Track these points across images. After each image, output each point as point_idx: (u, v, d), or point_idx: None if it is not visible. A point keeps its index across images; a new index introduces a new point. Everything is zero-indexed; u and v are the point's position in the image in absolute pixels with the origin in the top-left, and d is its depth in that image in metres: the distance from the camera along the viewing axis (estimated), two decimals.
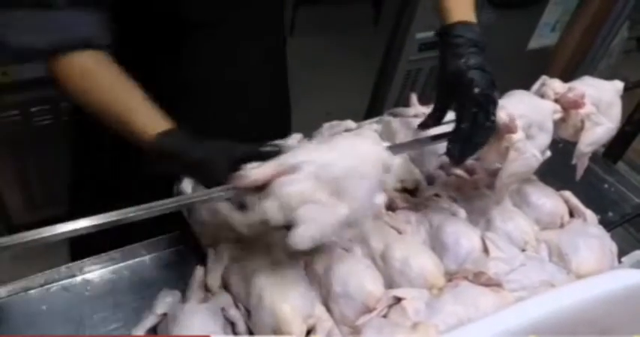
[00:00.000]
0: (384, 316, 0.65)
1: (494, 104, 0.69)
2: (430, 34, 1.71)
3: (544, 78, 0.85)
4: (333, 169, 0.56)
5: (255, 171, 0.55)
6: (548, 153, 0.82)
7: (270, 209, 0.54)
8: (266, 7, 0.85)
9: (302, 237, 0.55)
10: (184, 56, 0.81)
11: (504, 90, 0.82)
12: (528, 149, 0.73)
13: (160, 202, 0.55)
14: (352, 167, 0.57)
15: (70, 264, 0.73)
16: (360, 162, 0.58)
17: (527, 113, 0.75)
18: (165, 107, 0.68)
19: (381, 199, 0.64)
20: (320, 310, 0.65)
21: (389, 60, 1.77)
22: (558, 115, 0.80)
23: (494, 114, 0.69)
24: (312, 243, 0.56)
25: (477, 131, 0.68)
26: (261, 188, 0.55)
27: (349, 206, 0.56)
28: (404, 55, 1.73)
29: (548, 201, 0.85)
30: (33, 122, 1.41)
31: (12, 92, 1.33)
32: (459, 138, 0.69)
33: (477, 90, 0.67)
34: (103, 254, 0.75)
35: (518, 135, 0.72)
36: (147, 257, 0.76)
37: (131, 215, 0.54)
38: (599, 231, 0.81)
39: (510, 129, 0.71)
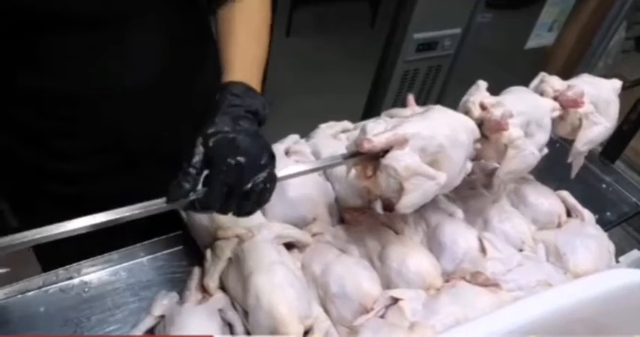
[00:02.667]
0: (382, 316, 0.65)
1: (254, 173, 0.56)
2: (427, 34, 1.72)
3: (543, 74, 0.85)
4: (435, 141, 0.64)
5: (377, 139, 0.61)
6: (545, 150, 0.82)
7: (383, 180, 0.62)
8: None
9: (409, 204, 0.64)
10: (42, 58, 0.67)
11: (502, 89, 0.82)
12: (527, 146, 0.73)
13: (154, 201, 0.55)
14: (449, 136, 0.65)
15: (68, 266, 0.72)
16: (455, 131, 0.66)
17: (525, 110, 0.75)
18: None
19: (470, 165, 0.72)
20: (317, 310, 0.65)
21: (386, 60, 1.77)
22: (557, 113, 0.80)
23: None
24: (416, 207, 0.65)
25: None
26: (375, 156, 0.63)
27: (447, 173, 0.65)
28: (401, 55, 1.73)
29: (546, 200, 0.85)
30: None
31: None
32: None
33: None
34: (100, 256, 0.75)
35: (517, 133, 0.72)
36: (144, 259, 0.76)
37: (127, 215, 0.54)
38: (597, 231, 0.81)
39: (501, 126, 0.71)
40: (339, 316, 0.65)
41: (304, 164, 0.64)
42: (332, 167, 0.71)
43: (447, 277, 0.71)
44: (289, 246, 0.72)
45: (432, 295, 0.67)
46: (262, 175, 0.56)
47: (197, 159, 0.55)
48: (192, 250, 0.75)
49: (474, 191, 0.85)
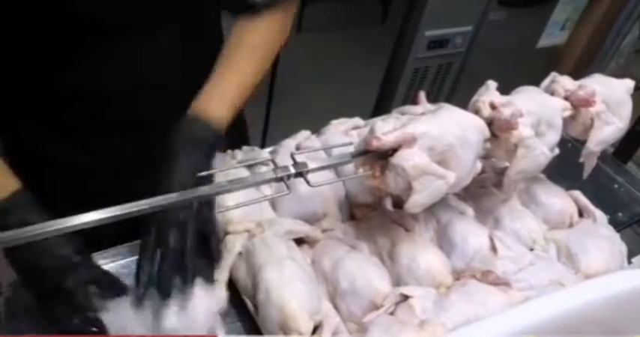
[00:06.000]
0: (391, 313, 0.65)
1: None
2: (439, 31, 1.71)
3: (554, 74, 0.85)
4: (444, 140, 0.63)
5: (386, 137, 0.61)
6: (557, 151, 0.81)
7: (392, 179, 0.62)
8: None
9: (417, 204, 0.64)
10: (84, 62, 0.71)
11: (513, 88, 0.81)
12: (537, 146, 0.73)
13: (164, 196, 0.55)
14: (459, 135, 0.65)
15: None
16: (465, 130, 0.66)
17: (536, 110, 0.74)
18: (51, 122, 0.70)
19: (480, 165, 0.71)
20: (327, 306, 0.65)
21: (397, 57, 1.76)
22: (568, 113, 0.80)
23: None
24: (425, 207, 0.65)
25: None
26: (384, 155, 0.63)
27: (456, 172, 0.65)
28: (412, 52, 1.73)
29: (558, 200, 0.84)
30: None
31: None
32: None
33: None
34: (110, 248, 0.75)
35: (527, 132, 0.71)
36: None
37: (135, 209, 0.54)
38: (609, 232, 0.81)
39: (511, 125, 0.71)
40: (348, 312, 0.66)
41: (313, 162, 0.64)
42: (341, 165, 0.71)
43: (458, 275, 0.70)
44: (299, 241, 0.73)
45: (443, 293, 0.67)
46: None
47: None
48: None
49: (484, 189, 0.85)
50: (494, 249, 0.73)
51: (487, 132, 0.71)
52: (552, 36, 1.99)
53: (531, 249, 0.77)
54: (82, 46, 0.69)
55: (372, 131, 0.64)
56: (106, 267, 0.73)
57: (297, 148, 0.85)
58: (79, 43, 0.69)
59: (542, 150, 0.74)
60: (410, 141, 0.62)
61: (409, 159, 0.61)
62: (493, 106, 0.72)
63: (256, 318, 0.64)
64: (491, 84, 0.78)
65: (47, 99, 0.75)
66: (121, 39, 0.70)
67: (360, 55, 1.72)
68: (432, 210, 0.79)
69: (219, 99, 0.67)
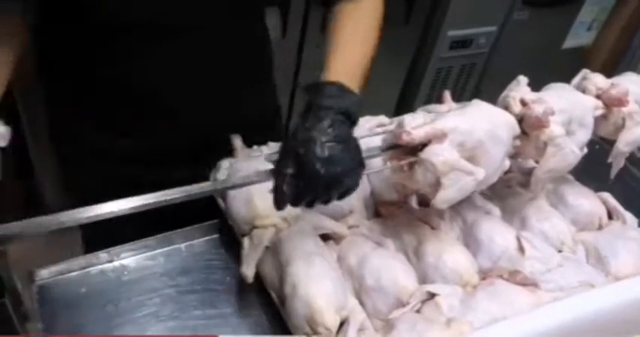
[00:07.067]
0: (417, 311, 0.65)
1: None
2: (462, 31, 1.70)
3: (585, 71, 0.83)
4: (474, 136, 0.63)
5: (416, 132, 0.61)
6: (585, 150, 0.80)
7: (421, 174, 0.62)
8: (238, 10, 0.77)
9: (445, 199, 0.63)
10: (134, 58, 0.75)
11: (537, 90, 0.80)
12: (567, 145, 0.72)
13: (197, 186, 0.55)
14: (489, 132, 0.65)
15: (109, 249, 0.74)
16: (495, 127, 0.66)
17: (567, 108, 0.74)
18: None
19: (508, 162, 0.71)
20: (353, 302, 0.65)
21: (420, 57, 1.75)
22: (599, 112, 0.78)
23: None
24: (452, 203, 0.65)
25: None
26: (413, 150, 0.63)
27: (485, 169, 0.64)
28: (435, 52, 1.71)
29: (586, 201, 0.83)
30: None
31: None
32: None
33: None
34: (138, 241, 0.77)
35: (558, 131, 0.70)
36: (182, 245, 0.77)
37: (167, 198, 0.54)
38: (639, 235, 0.79)
39: (542, 123, 0.70)
40: (374, 309, 0.65)
41: None
42: (368, 159, 0.71)
43: (484, 275, 0.70)
44: (325, 237, 0.73)
45: (469, 292, 0.66)
46: (347, 184, 0.58)
47: (290, 164, 0.56)
48: (229, 238, 0.76)
49: (510, 189, 0.84)
50: (521, 249, 0.72)
51: (517, 129, 0.70)
52: (578, 36, 1.96)
53: (559, 251, 0.76)
54: (131, 45, 0.73)
55: (401, 125, 0.63)
56: (133, 259, 0.75)
57: None
58: (129, 43, 0.72)
59: (572, 148, 0.73)
60: (440, 137, 0.62)
61: (439, 154, 0.61)
62: (524, 103, 0.71)
63: (282, 311, 0.65)
64: (522, 79, 0.77)
65: (97, 90, 0.78)
66: (167, 39, 0.73)
67: (382, 55, 1.70)
68: (458, 209, 0.78)
69: (346, 71, 0.67)
